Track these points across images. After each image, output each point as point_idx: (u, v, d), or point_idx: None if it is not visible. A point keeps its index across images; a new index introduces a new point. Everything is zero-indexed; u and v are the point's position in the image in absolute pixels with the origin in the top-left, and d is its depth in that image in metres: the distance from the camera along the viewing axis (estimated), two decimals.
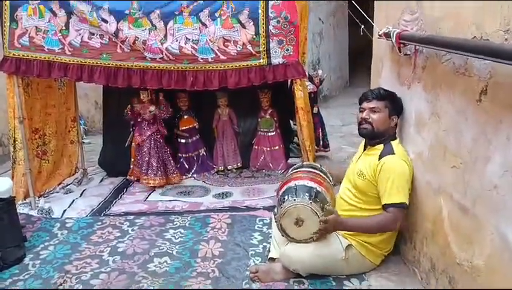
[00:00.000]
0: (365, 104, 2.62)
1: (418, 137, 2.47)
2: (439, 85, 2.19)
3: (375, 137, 2.57)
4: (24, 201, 3.67)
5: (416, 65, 2.46)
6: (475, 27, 1.82)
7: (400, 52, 2.55)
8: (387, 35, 2.66)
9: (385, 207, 2.41)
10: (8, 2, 3.48)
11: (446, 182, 2.16)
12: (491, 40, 1.70)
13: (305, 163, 3.06)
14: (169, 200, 3.91)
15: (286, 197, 2.53)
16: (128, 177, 4.47)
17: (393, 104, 2.60)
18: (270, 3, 3.44)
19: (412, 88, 2.53)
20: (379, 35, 2.78)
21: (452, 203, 2.10)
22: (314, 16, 7.34)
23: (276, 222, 2.57)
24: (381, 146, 2.54)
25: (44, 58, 3.57)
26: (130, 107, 4.22)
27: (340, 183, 2.90)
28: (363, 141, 2.74)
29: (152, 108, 4.10)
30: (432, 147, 2.30)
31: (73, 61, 3.58)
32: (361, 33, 3.41)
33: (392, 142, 2.55)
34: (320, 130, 4.81)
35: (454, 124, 2.05)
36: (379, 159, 2.47)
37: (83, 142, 4.79)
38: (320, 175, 2.78)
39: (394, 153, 2.46)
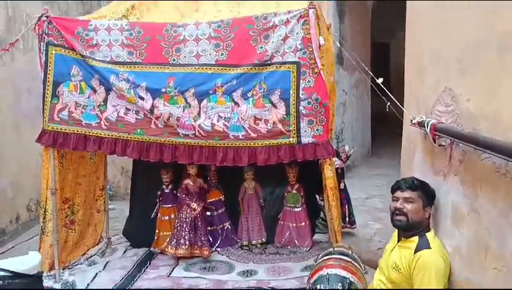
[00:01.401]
0: (399, 194, 2.57)
1: (455, 231, 2.41)
2: (479, 182, 2.15)
3: (410, 229, 2.50)
4: (49, 273, 3.66)
5: (452, 157, 2.45)
6: None
7: (435, 143, 2.55)
8: (420, 124, 2.68)
9: None
10: (51, 78, 3.66)
11: (487, 283, 2.07)
12: None
13: (336, 248, 2.99)
14: (193, 277, 3.84)
15: (318, 287, 2.47)
16: (152, 248, 4.44)
17: (427, 194, 2.56)
18: (302, 85, 3.53)
19: (448, 180, 2.49)
20: (412, 123, 2.80)
21: None
22: (339, 88, 7.48)
23: None
24: (416, 238, 2.47)
25: (81, 132, 3.70)
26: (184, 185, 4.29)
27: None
28: (396, 230, 2.68)
29: (199, 180, 4.27)
30: (471, 244, 2.23)
31: (108, 135, 3.70)
32: (387, 110, 3.46)
33: (427, 234, 2.49)
34: (346, 206, 4.75)
35: (496, 225, 2.00)
36: (415, 252, 2.40)
37: (109, 209, 4.82)
38: (352, 263, 2.72)
39: (430, 247, 2.39)
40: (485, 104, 2.10)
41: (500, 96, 1.97)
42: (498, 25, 1.97)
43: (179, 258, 4.17)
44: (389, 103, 3.35)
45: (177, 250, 4.14)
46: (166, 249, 4.19)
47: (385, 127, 9.46)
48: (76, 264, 4.02)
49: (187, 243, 4.14)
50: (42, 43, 3.63)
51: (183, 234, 4.16)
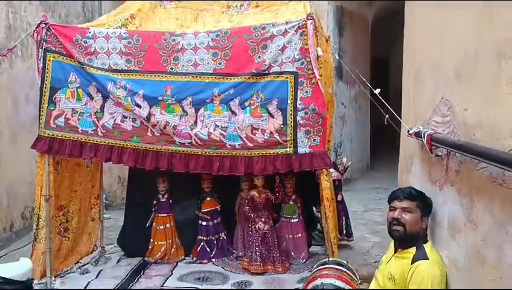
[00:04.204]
0: (396, 203, 2.53)
1: (452, 242, 2.37)
2: (475, 192, 2.13)
3: (407, 239, 2.46)
4: (40, 281, 3.61)
5: (448, 168, 2.43)
6: None
7: (432, 153, 2.53)
8: (417, 134, 2.66)
9: None
10: (49, 85, 3.66)
11: None
12: None
13: (330, 259, 2.95)
14: (187, 288, 3.79)
15: None
16: (146, 258, 4.40)
17: (425, 204, 2.53)
18: (299, 95, 3.52)
19: (445, 190, 2.47)
20: (409, 134, 2.79)
21: None
22: (338, 101, 7.50)
23: None
24: (413, 249, 2.43)
25: (77, 138, 3.68)
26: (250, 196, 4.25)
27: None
28: (393, 241, 2.65)
29: (268, 193, 4.22)
30: (468, 255, 2.20)
31: (104, 142, 3.68)
32: (386, 123, 3.45)
33: (424, 245, 2.45)
34: (343, 218, 4.71)
35: (493, 235, 1.96)
36: (412, 263, 2.36)
37: (104, 218, 4.77)
38: (347, 273, 2.68)
39: (428, 258, 2.35)
40: (482, 114, 2.08)
41: (497, 104, 1.95)
42: (494, 33, 1.96)
43: (253, 274, 4.10)
44: (387, 116, 3.34)
45: (250, 266, 4.14)
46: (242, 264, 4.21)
47: (384, 142, 9.46)
48: (69, 273, 3.98)
49: (258, 259, 4.12)
50: (40, 49, 3.64)
51: (255, 249, 4.15)
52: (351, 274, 2.66)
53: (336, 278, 2.54)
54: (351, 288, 2.48)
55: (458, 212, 2.31)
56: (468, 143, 2.12)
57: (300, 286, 3.56)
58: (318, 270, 2.73)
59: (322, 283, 2.51)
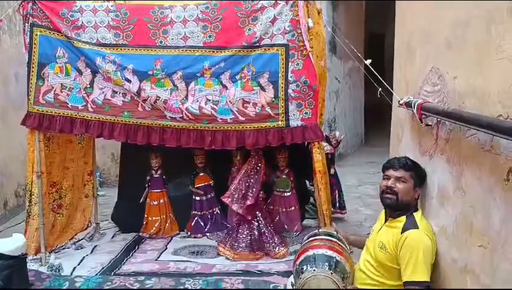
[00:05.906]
0: (391, 172, 2.53)
1: (441, 210, 2.39)
2: (464, 159, 2.14)
3: (399, 208, 2.48)
4: (35, 257, 3.63)
5: (438, 137, 2.43)
6: (501, 106, 1.80)
7: (422, 122, 2.53)
8: (408, 104, 2.66)
9: (407, 284, 2.29)
10: (36, 60, 3.60)
11: (473, 262, 2.06)
12: None
13: (321, 230, 2.97)
14: (181, 261, 3.83)
15: (305, 268, 2.45)
16: (140, 233, 4.43)
17: (419, 175, 2.54)
18: (290, 68, 3.49)
19: (435, 159, 2.48)
20: (399, 104, 2.78)
21: (480, 285, 1.99)
22: (331, 76, 7.46)
23: None
24: (403, 218, 2.45)
25: (67, 114, 3.65)
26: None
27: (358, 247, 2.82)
28: (383, 210, 2.67)
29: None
30: (457, 222, 2.22)
31: (95, 118, 3.66)
32: (379, 96, 3.44)
33: (414, 214, 2.47)
34: (336, 191, 4.75)
35: (481, 201, 1.98)
36: (402, 232, 2.38)
37: (98, 195, 4.78)
38: (338, 243, 2.70)
39: (418, 227, 2.37)
40: (472, 81, 2.07)
41: (486, 71, 1.94)
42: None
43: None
44: (380, 89, 3.33)
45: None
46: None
47: (378, 117, 9.46)
48: (63, 248, 4.00)
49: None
50: (26, 24, 3.58)
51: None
52: (342, 244, 2.68)
53: (327, 249, 2.55)
54: (342, 258, 2.50)
55: (447, 180, 2.32)
56: (457, 110, 2.11)
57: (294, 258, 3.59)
58: (309, 241, 2.74)
59: (313, 253, 2.52)
